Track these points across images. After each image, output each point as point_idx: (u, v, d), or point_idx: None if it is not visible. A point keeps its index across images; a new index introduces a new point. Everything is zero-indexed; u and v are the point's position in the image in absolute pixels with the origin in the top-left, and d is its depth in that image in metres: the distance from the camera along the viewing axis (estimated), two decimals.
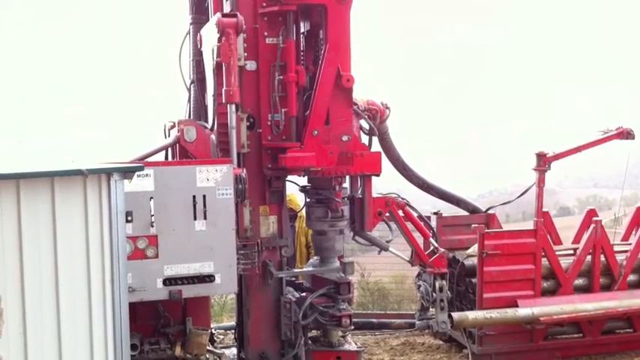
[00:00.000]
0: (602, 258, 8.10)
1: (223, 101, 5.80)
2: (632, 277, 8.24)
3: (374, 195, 6.71)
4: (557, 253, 8.05)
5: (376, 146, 7.08)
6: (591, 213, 8.71)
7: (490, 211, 8.83)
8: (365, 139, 6.77)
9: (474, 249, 8.01)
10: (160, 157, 6.31)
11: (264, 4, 6.08)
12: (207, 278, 5.44)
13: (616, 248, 8.31)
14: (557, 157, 7.83)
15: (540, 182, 7.83)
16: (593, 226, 8.11)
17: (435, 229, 7.84)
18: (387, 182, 7.39)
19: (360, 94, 6.83)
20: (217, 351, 6.37)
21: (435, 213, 8.64)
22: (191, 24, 6.91)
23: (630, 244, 8.38)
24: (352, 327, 6.56)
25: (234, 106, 5.83)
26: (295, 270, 7.29)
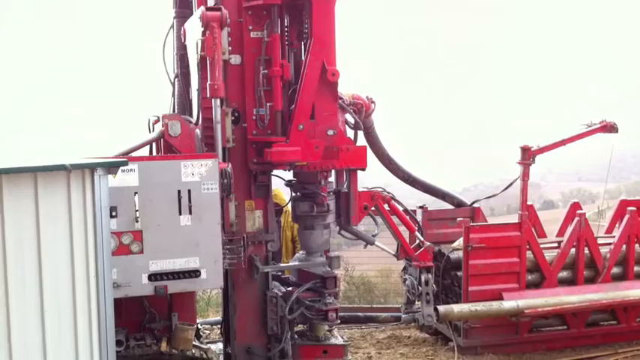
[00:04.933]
0: (586, 251, 8.16)
1: (208, 95, 5.77)
2: (615, 270, 8.30)
3: (360, 189, 6.72)
4: (541, 246, 8.10)
5: (362, 140, 7.08)
6: (575, 206, 8.76)
7: (475, 205, 8.86)
8: (350, 133, 6.77)
9: (459, 242, 8.04)
10: (144, 151, 6.27)
11: None
12: (193, 273, 5.41)
13: (600, 241, 8.37)
14: (541, 150, 7.87)
15: (525, 176, 7.87)
16: (577, 219, 8.16)
17: (420, 223, 7.87)
18: (372, 176, 7.40)
19: (348, 89, 6.85)
20: (203, 346, 6.36)
21: (421, 207, 8.67)
22: (175, 18, 6.86)
23: (614, 236, 8.44)
24: (338, 321, 6.57)
25: (218, 101, 5.80)
26: (281, 264, 7.28)
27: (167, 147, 6.20)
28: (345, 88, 6.81)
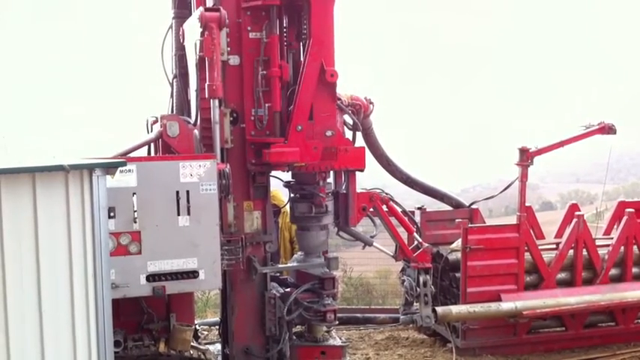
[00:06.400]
0: (585, 252, 8.16)
1: (206, 96, 5.77)
2: (613, 271, 8.30)
3: (358, 190, 6.71)
4: (539, 247, 8.10)
5: (360, 141, 7.08)
6: (573, 207, 8.76)
7: (473, 206, 8.86)
8: (349, 134, 6.77)
9: (457, 244, 8.04)
10: (142, 152, 6.26)
11: None
12: (191, 274, 5.41)
13: (598, 242, 8.37)
14: (539, 152, 7.87)
15: (523, 177, 7.87)
16: (575, 220, 8.16)
17: (418, 224, 7.86)
18: (371, 177, 7.40)
19: (351, 90, 6.85)
20: (201, 347, 6.36)
21: (419, 208, 8.67)
22: (174, 18, 6.85)
23: (612, 238, 8.44)
24: (337, 322, 6.56)
25: (217, 101, 5.80)
26: (279, 265, 7.28)
27: (165, 147, 6.20)
28: (347, 90, 6.83)
